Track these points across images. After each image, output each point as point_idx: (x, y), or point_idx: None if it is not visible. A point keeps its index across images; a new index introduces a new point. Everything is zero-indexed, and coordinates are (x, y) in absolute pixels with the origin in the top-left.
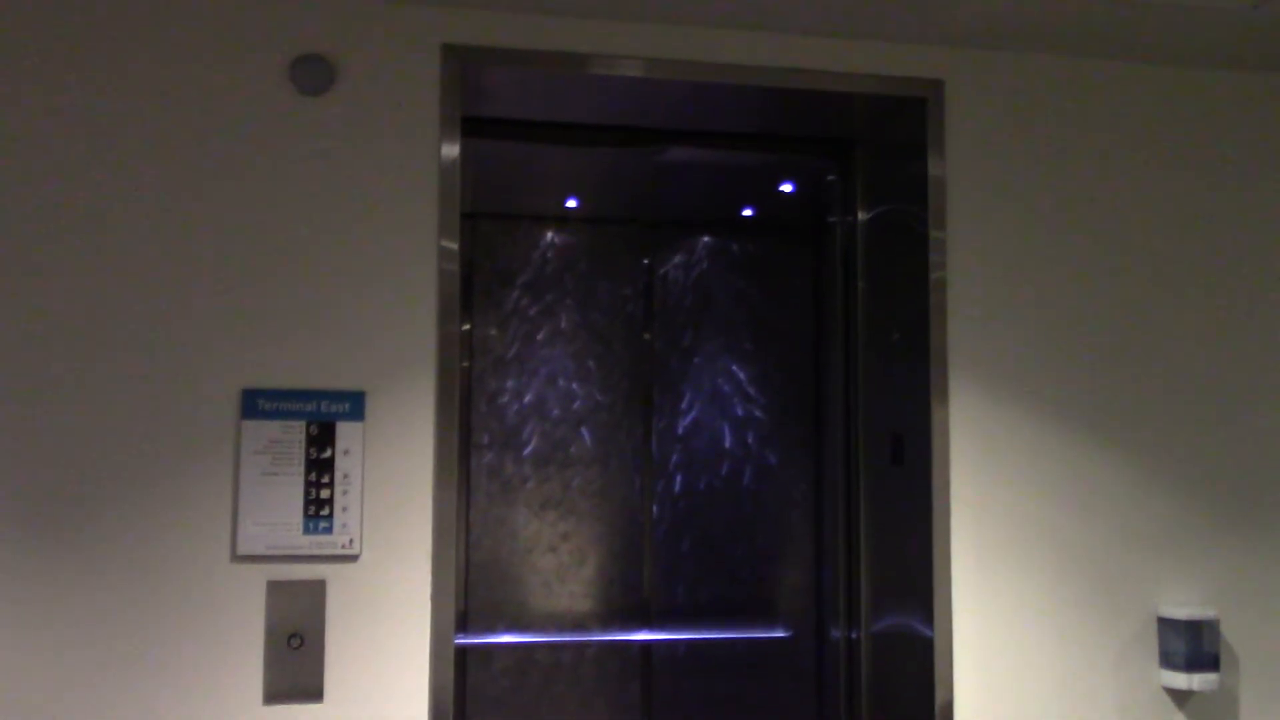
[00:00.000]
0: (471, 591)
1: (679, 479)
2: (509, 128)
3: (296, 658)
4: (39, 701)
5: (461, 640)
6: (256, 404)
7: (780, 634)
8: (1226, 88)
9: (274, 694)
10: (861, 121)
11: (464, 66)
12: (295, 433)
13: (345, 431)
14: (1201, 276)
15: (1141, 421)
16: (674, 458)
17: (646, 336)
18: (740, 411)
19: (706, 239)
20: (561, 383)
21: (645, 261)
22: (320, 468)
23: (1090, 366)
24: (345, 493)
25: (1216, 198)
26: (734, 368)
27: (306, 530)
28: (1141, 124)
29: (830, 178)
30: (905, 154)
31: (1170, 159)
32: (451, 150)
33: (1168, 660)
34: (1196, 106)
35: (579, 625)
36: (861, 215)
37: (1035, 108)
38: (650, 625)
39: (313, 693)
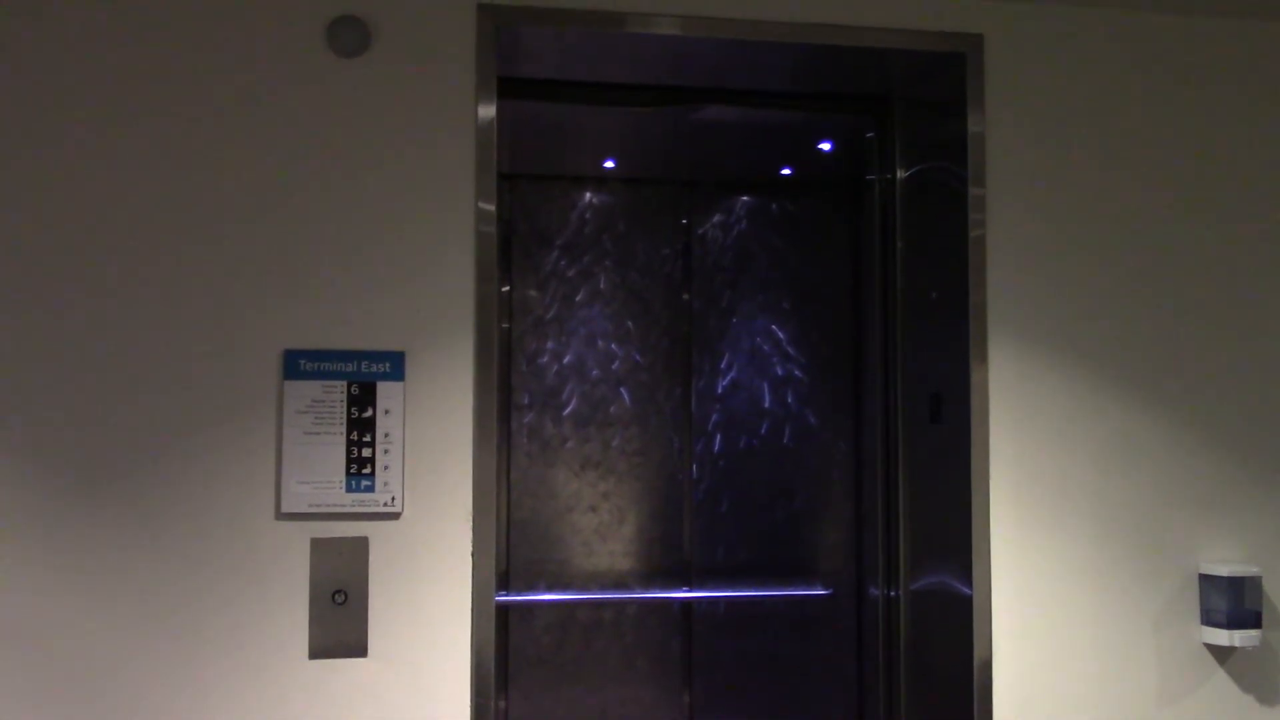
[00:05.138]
0: (513, 550)
1: (718, 438)
2: (546, 88)
3: (340, 614)
4: (88, 657)
5: (503, 598)
6: (298, 364)
7: (820, 592)
8: (1271, 39)
9: (319, 649)
10: (899, 78)
11: (499, 26)
12: (337, 393)
13: (386, 391)
14: (1248, 232)
15: (1183, 379)
16: (713, 417)
17: (685, 296)
18: (779, 371)
19: (744, 198)
20: (601, 343)
21: (683, 221)
22: (361, 427)
23: (1131, 324)
24: (386, 451)
25: (1263, 152)
26: (773, 327)
27: (349, 488)
28: (1184, 76)
29: (868, 135)
30: (944, 110)
31: (1215, 112)
32: (488, 111)
33: (1209, 617)
34: (1241, 58)
35: (620, 584)
36: (900, 173)
37: (1076, 62)
38: (690, 584)
39: (357, 648)
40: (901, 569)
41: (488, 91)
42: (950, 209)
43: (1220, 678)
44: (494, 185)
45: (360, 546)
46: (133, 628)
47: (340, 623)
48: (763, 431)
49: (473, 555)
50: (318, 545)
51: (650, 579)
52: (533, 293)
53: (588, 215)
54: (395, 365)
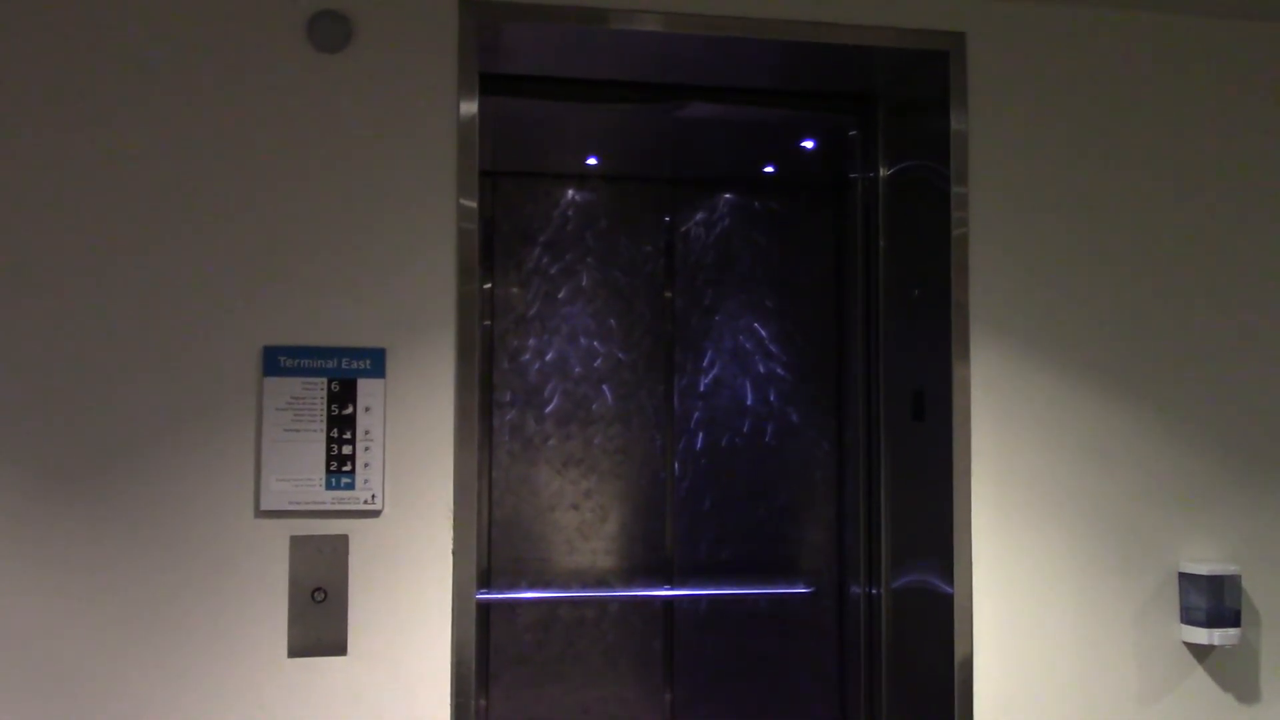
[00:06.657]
0: (495, 548)
1: (701, 436)
2: (528, 84)
3: (320, 612)
4: (66, 656)
5: (485, 596)
6: (278, 361)
7: (801, 590)
8: (1253, 38)
9: (298, 647)
10: (883, 76)
11: (482, 22)
12: (317, 390)
13: (366, 388)
14: (1227, 230)
15: (1164, 377)
16: (695, 415)
17: (668, 294)
18: (762, 369)
19: (727, 196)
20: (583, 341)
21: (666, 219)
22: (342, 424)
23: (1113, 322)
24: (367, 449)
25: (1244, 150)
26: (755, 325)
27: (329, 486)
28: (1166, 75)
29: (851, 133)
30: (927, 108)
31: (1196, 110)
32: (470, 108)
33: (1189, 616)
34: (1223, 57)
35: (602, 582)
36: (883, 171)
37: (1058, 60)
38: (672, 581)
39: (336, 646)
40: (883, 567)
41: (470, 88)
42: (933, 207)
43: (1199, 676)
44: (476, 182)
45: (340, 544)
46: (110, 626)
47: (320, 621)
48: (745, 429)
49: (453, 553)
50: (297, 543)
51: (632, 577)
52: (515, 290)
53: (570, 212)
54: (376, 362)
